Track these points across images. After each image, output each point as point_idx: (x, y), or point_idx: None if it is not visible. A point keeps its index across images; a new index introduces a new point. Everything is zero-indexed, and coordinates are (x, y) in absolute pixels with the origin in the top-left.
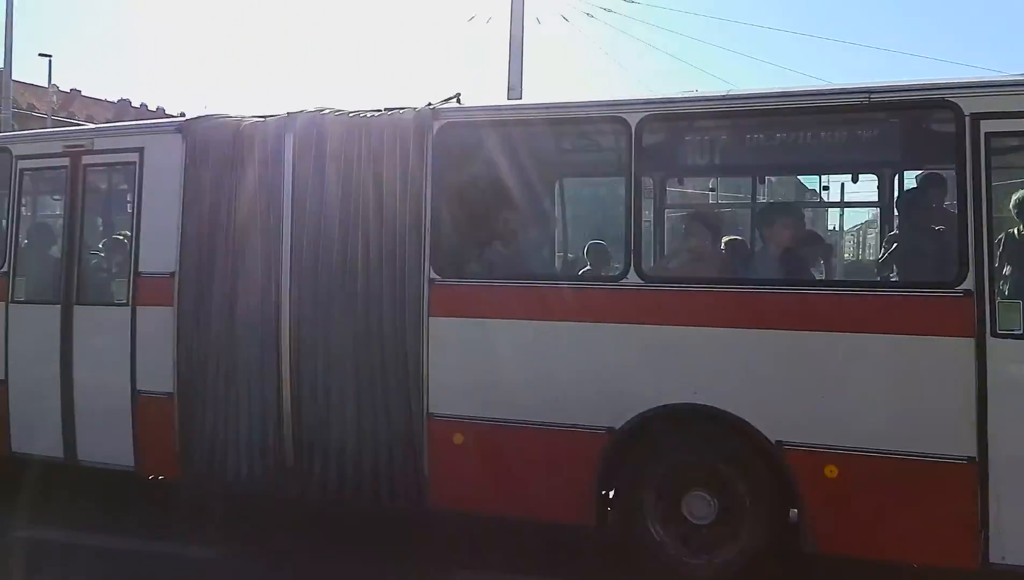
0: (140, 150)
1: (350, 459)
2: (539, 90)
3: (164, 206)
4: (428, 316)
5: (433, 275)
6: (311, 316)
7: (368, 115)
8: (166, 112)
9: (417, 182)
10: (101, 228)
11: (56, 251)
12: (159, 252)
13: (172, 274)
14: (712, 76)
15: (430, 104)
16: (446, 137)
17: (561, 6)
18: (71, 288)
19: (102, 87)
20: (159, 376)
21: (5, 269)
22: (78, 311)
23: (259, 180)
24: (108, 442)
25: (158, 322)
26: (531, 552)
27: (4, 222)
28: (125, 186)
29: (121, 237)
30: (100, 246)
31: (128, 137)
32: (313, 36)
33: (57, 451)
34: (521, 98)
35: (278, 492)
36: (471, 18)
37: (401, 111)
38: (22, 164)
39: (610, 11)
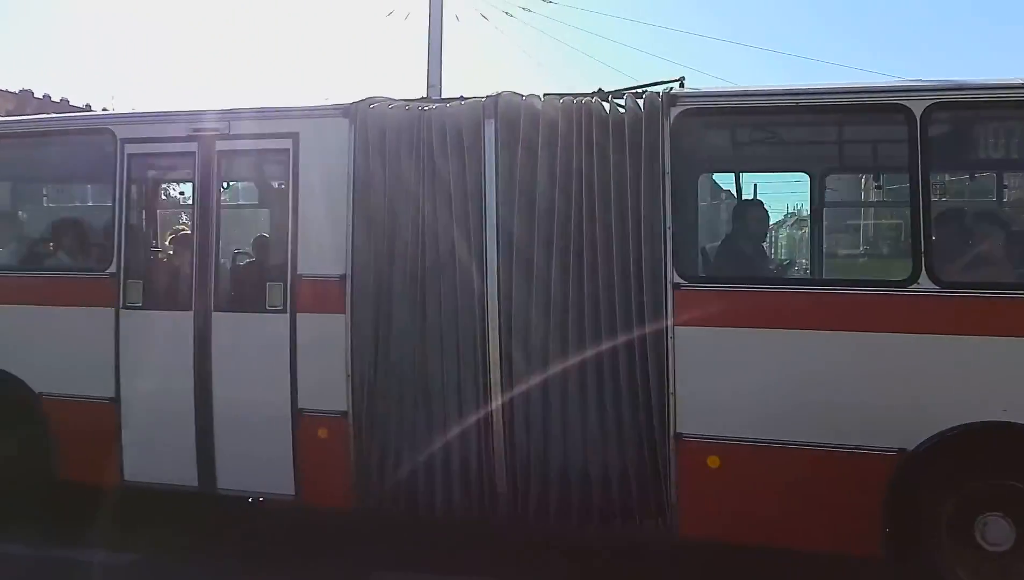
0: (294, 136)
1: (575, 483)
2: (459, 89)
3: (327, 199)
4: (673, 325)
5: (677, 279)
6: (523, 325)
7: (583, 100)
8: (70, 104)
9: (653, 175)
10: (240, 223)
11: (181, 250)
12: (323, 252)
13: (342, 277)
14: (629, 76)
15: (662, 88)
16: (685, 125)
17: (480, 4)
18: (207, 292)
19: (2, 77)
20: (328, 393)
21: (112, 270)
22: (217, 318)
23: (454, 171)
24: (259, 468)
25: (325, 332)
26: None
27: (108, 216)
28: (273, 176)
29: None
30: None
31: (277, 121)
32: (222, 27)
33: (189, 479)
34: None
35: (485, 519)
36: (389, 13)
37: (620, 95)
38: (130, 148)
39: (528, 10)
